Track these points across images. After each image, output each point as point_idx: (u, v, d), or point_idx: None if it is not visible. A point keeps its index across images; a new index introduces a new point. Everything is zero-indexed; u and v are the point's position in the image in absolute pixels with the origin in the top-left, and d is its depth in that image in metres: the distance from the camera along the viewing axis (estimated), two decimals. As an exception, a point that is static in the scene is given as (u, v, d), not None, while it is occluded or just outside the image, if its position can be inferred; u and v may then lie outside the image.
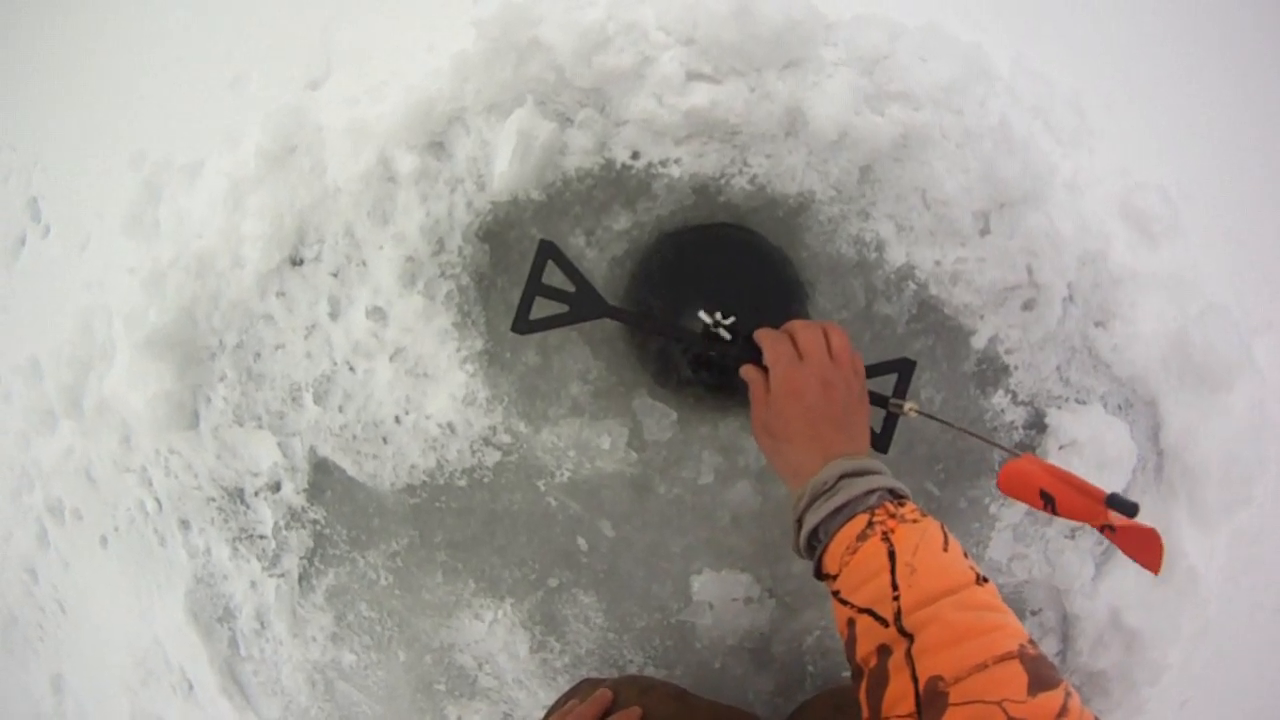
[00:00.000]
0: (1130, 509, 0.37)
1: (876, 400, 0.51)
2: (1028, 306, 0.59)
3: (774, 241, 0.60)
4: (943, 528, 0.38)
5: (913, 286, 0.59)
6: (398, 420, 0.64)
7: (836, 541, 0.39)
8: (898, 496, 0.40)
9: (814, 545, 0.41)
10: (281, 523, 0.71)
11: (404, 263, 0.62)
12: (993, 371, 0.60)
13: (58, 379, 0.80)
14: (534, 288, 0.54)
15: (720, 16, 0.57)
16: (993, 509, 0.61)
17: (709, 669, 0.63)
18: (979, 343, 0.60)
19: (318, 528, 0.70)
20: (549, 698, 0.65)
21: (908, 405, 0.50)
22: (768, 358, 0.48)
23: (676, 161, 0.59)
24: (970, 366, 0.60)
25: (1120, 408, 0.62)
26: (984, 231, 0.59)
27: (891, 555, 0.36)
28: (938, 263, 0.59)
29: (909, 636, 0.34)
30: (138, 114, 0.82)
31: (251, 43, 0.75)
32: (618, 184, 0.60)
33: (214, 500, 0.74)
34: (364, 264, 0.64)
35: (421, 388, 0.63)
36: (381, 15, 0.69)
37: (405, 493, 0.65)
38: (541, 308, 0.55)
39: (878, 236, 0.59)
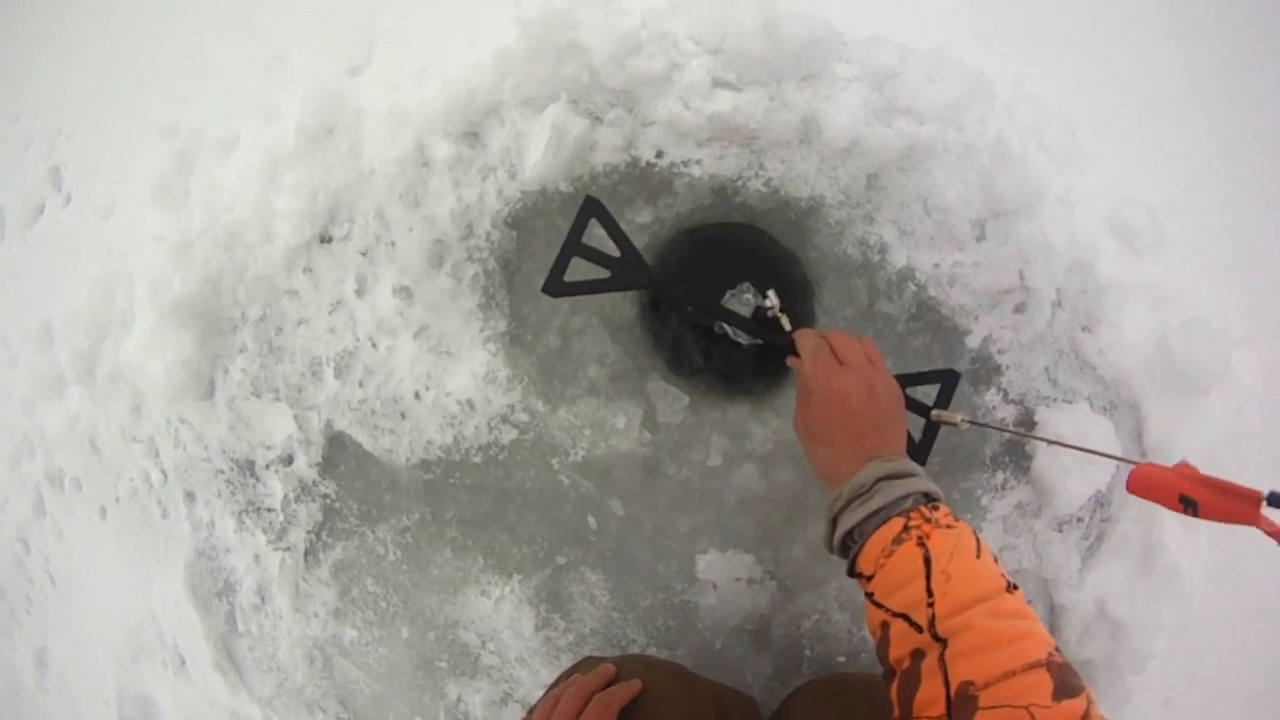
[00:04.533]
0: None
1: (917, 408, 0.49)
2: (1019, 309, 0.63)
3: (784, 242, 0.63)
4: (975, 533, 0.39)
5: (912, 287, 0.63)
6: (417, 396, 0.66)
7: (871, 544, 0.40)
8: (931, 499, 0.41)
9: (848, 545, 0.42)
10: (291, 496, 0.72)
11: (433, 245, 0.65)
12: (985, 370, 0.64)
13: (71, 344, 0.81)
14: (573, 247, 0.50)
15: (747, 30, 0.62)
16: (984, 500, 0.65)
17: (710, 650, 0.64)
18: (973, 342, 0.64)
19: (328, 501, 0.71)
20: (550, 676, 0.66)
21: (960, 417, 0.47)
22: (808, 362, 0.47)
23: (698, 162, 0.63)
24: (965, 364, 0.64)
25: (1105, 409, 0.65)
26: (980, 238, 0.63)
27: (927, 561, 0.37)
28: (936, 266, 0.63)
29: (942, 641, 0.35)
30: (171, 87, 0.84)
31: (293, 24, 0.77)
32: (642, 180, 0.64)
33: (222, 472, 0.74)
34: (393, 244, 0.67)
35: (443, 365, 0.65)
36: (424, 7, 0.72)
37: (420, 468, 0.67)
38: (574, 272, 0.51)
39: (881, 240, 0.63)
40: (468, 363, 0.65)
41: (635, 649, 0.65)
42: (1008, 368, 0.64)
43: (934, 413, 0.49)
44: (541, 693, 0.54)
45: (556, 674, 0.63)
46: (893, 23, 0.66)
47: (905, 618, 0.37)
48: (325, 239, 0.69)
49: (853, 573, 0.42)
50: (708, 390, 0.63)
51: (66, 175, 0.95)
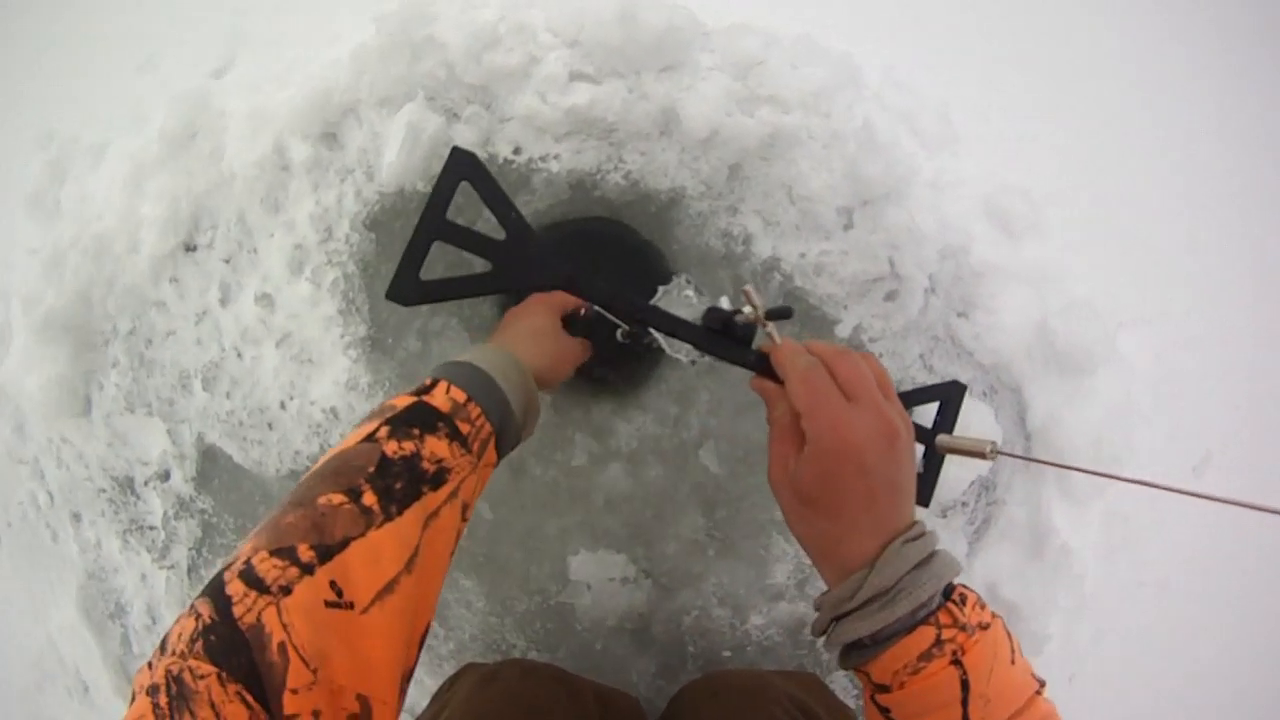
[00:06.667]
0: None
1: (918, 434, 0.38)
2: (890, 297, 0.63)
3: (646, 235, 0.62)
4: (1005, 626, 0.33)
5: (779, 278, 0.62)
6: (283, 406, 0.64)
7: (892, 655, 0.32)
8: (950, 585, 0.33)
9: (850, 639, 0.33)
10: (171, 512, 0.70)
11: (293, 250, 0.63)
12: (858, 359, 0.63)
13: (-48, 365, 0.79)
14: (434, 227, 0.32)
15: (605, 21, 0.60)
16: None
17: (591, 651, 0.63)
18: (844, 331, 0.63)
19: (206, 517, 0.69)
20: (435, 685, 0.65)
21: (989, 445, 0.34)
22: (799, 393, 0.33)
23: (556, 157, 0.62)
24: (838, 354, 0.63)
25: (985, 394, 0.65)
26: (847, 226, 0.62)
27: (964, 685, 0.31)
28: (802, 255, 0.62)
29: None
30: (46, 94, 0.82)
31: (162, 25, 0.75)
32: (499, 178, 0.61)
33: (104, 491, 0.73)
34: (255, 251, 0.65)
35: (306, 373, 0.64)
36: (290, 6, 0.71)
37: (289, 479, 0.65)
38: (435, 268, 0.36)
39: (745, 230, 0.62)
40: (330, 370, 0.63)
41: (516, 654, 0.64)
42: (881, 355, 0.63)
43: (940, 439, 0.36)
44: (427, 702, 0.53)
45: (440, 682, 0.62)
46: (757, 10, 0.65)
47: None
48: (190, 247, 0.67)
49: (852, 668, 0.34)
50: (569, 389, 0.62)
51: (-54, 192, 0.92)
